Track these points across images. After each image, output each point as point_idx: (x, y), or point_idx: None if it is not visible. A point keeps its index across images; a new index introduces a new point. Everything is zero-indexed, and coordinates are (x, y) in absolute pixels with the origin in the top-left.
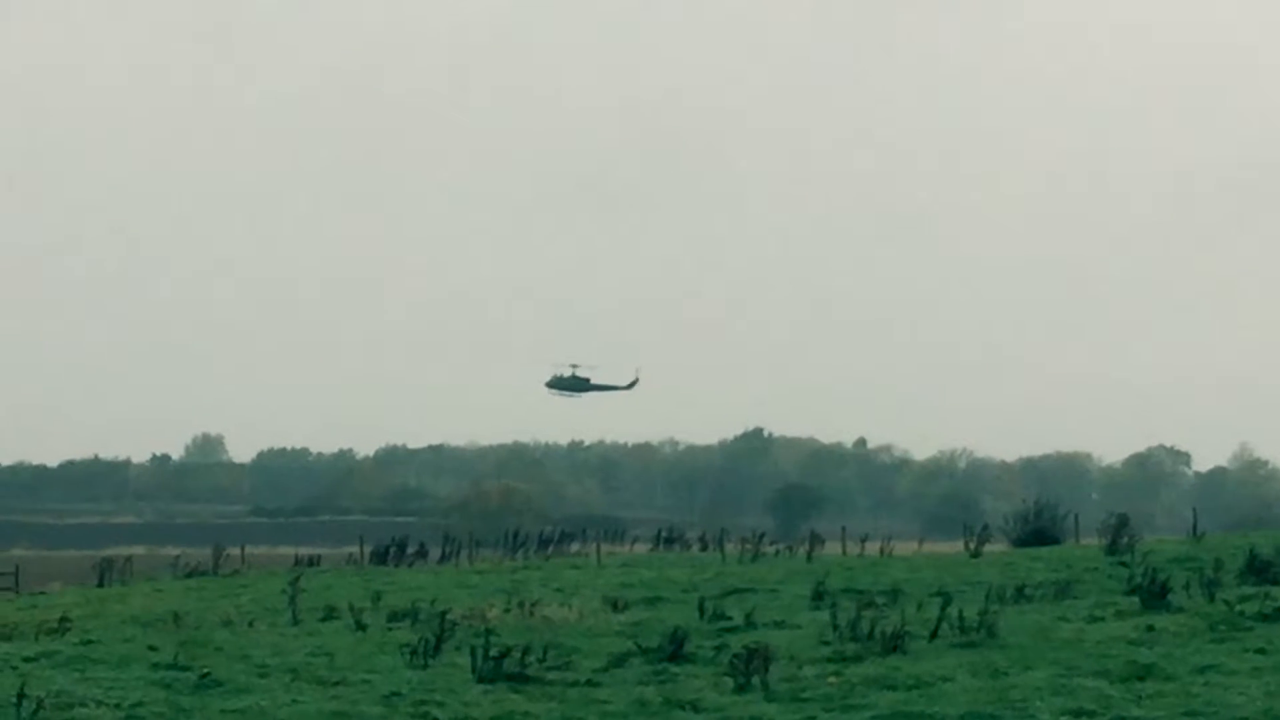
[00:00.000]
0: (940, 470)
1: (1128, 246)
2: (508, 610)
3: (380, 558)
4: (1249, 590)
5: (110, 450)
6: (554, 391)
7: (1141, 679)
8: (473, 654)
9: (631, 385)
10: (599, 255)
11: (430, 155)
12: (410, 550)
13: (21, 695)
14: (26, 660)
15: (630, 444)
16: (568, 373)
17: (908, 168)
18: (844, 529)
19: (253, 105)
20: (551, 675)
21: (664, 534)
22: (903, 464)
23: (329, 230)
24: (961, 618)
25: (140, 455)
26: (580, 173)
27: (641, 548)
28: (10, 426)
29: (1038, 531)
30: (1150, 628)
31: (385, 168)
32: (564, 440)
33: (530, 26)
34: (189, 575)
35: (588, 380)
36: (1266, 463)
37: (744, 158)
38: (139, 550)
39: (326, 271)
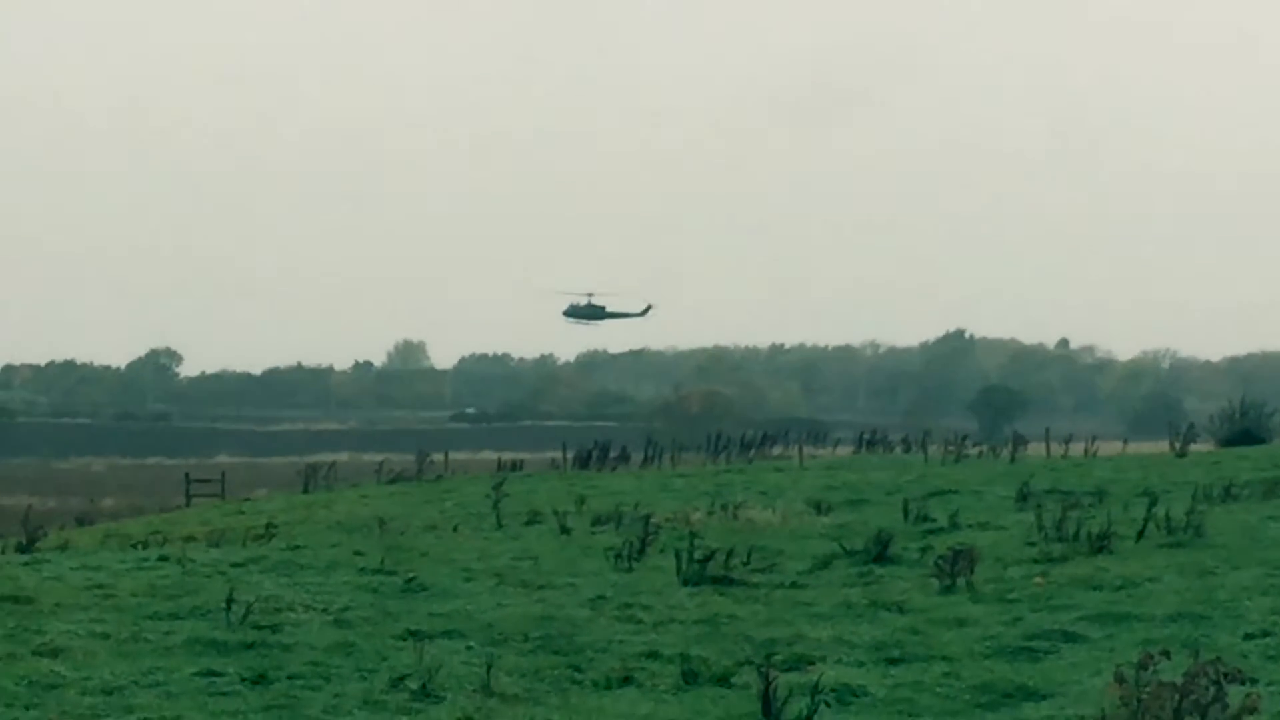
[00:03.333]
0: (1144, 371)
1: None
2: (711, 513)
3: (582, 462)
4: None
5: (313, 358)
6: (571, 319)
7: None
8: (677, 557)
9: (645, 312)
10: (800, 164)
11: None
12: (612, 454)
13: (230, 600)
14: (235, 566)
15: (831, 347)
16: (584, 301)
17: (1115, 71)
18: (1047, 430)
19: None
20: (756, 578)
21: (866, 436)
22: (1105, 365)
23: (536, 141)
24: (1168, 518)
25: (343, 363)
26: (785, 82)
27: (844, 450)
28: (216, 336)
29: (1244, 431)
30: None
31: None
32: (764, 344)
33: None
34: (393, 481)
35: (603, 308)
36: None
37: (947, 65)
38: (343, 457)
39: (525, 186)
